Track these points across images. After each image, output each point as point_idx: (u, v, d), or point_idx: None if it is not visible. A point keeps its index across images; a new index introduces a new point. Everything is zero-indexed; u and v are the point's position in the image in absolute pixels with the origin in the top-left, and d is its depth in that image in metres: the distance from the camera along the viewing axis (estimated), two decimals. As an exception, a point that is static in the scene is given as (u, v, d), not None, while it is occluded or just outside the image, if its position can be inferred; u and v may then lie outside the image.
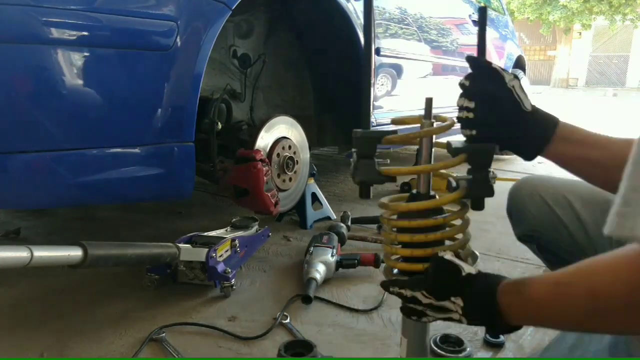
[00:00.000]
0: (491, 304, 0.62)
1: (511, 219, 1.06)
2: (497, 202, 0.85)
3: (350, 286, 1.47)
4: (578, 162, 0.75)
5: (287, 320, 1.23)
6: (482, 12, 0.77)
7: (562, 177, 0.99)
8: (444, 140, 0.77)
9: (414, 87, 2.49)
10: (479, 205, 0.73)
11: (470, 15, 3.13)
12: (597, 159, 0.73)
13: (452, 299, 0.65)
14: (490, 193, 0.71)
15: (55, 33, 1.05)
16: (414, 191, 0.75)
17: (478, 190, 0.71)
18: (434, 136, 0.73)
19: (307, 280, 1.38)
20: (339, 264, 1.52)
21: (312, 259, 1.47)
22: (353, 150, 0.74)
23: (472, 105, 0.71)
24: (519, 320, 0.63)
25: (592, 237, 0.89)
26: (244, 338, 1.16)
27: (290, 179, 1.87)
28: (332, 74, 2.19)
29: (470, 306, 0.64)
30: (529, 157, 0.76)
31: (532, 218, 0.98)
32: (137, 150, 1.23)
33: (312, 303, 1.31)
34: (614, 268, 0.51)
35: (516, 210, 1.03)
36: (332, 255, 1.50)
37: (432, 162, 0.74)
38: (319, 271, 1.43)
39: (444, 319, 0.67)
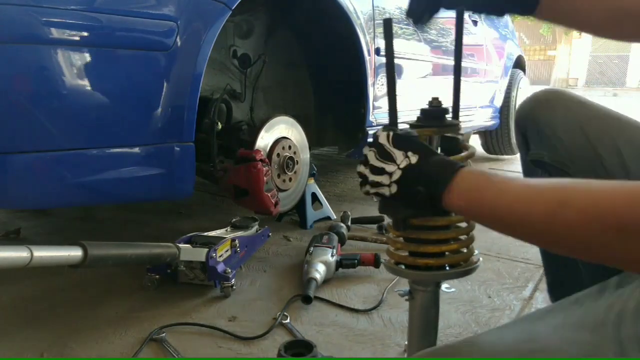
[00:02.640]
0: (448, 167, 0.57)
1: (522, 133, 0.91)
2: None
3: (350, 286, 1.46)
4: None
5: (287, 320, 1.23)
6: (387, 24, 0.71)
7: (605, 107, 0.85)
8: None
9: (414, 87, 2.48)
10: None
11: (470, 15, 3.12)
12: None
13: (409, 152, 0.60)
14: None
15: (55, 33, 1.05)
16: None
17: None
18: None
19: (307, 280, 1.38)
20: (339, 264, 1.52)
21: (312, 259, 1.47)
22: None
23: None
24: (460, 199, 0.56)
25: None
26: (244, 338, 1.16)
27: (290, 179, 1.87)
28: (332, 73, 2.19)
29: (425, 164, 0.59)
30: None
31: (563, 148, 0.84)
32: (137, 150, 1.23)
33: (312, 303, 1.31)
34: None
35: (536, 128, 0.88)
36: (332, 255, 1.50)
37: None
38: (319, 271, 1.43)
39: (376, 187, 0.63)
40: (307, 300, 1.31)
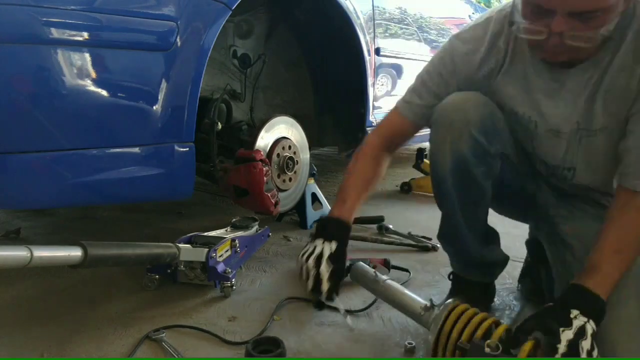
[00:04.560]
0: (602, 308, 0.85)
1: (486, 134, 1.06)
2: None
3: (351, 287, 1.46)
4: None
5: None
6: None
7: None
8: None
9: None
10: None
11: (470, 16, 3.12)
12: None
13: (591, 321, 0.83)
14: None
15: (55, 33, 1.05)
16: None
17: None
18: None
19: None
20: (348, 269, 1.47)
21: None
22: None
23: None
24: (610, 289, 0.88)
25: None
26: (235, 343, 1.14)
27: (290, 179, 1.87)
28: (332, 73, 2.19)
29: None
30: None
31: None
32: (137, 150, 1.23)
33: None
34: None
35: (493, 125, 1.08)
36: None
37: None
38: None
39: None
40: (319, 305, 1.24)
